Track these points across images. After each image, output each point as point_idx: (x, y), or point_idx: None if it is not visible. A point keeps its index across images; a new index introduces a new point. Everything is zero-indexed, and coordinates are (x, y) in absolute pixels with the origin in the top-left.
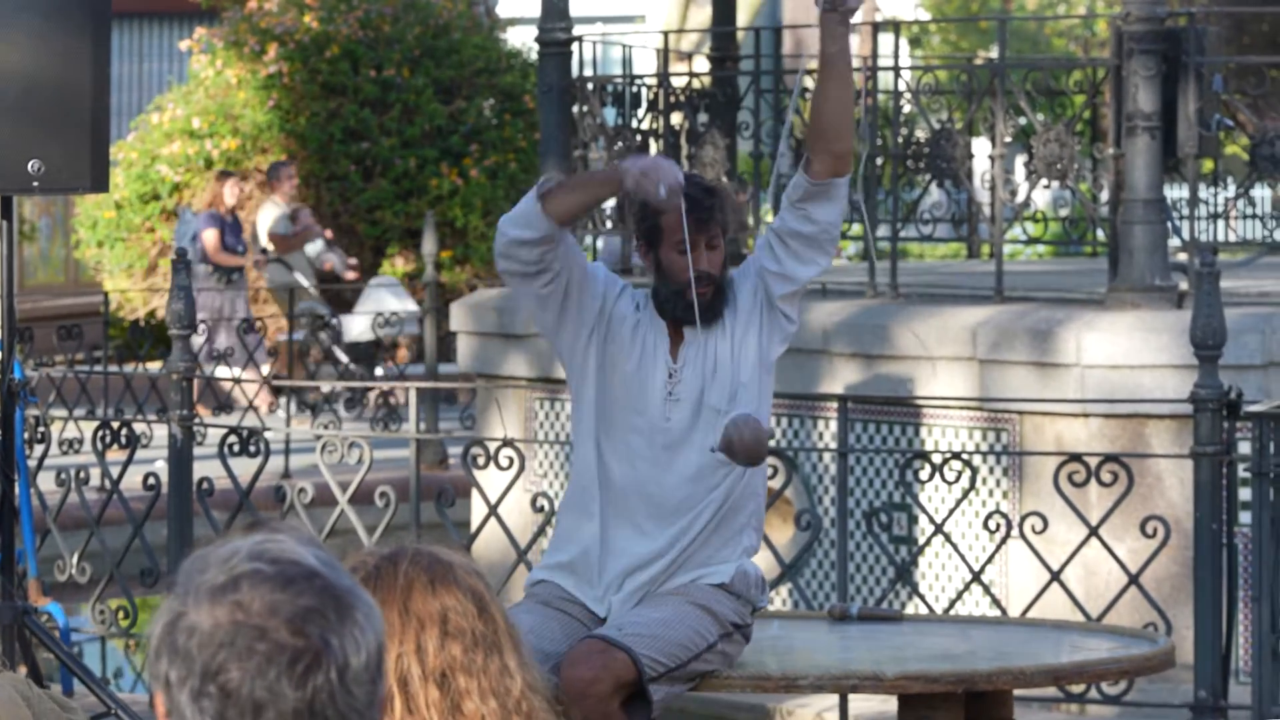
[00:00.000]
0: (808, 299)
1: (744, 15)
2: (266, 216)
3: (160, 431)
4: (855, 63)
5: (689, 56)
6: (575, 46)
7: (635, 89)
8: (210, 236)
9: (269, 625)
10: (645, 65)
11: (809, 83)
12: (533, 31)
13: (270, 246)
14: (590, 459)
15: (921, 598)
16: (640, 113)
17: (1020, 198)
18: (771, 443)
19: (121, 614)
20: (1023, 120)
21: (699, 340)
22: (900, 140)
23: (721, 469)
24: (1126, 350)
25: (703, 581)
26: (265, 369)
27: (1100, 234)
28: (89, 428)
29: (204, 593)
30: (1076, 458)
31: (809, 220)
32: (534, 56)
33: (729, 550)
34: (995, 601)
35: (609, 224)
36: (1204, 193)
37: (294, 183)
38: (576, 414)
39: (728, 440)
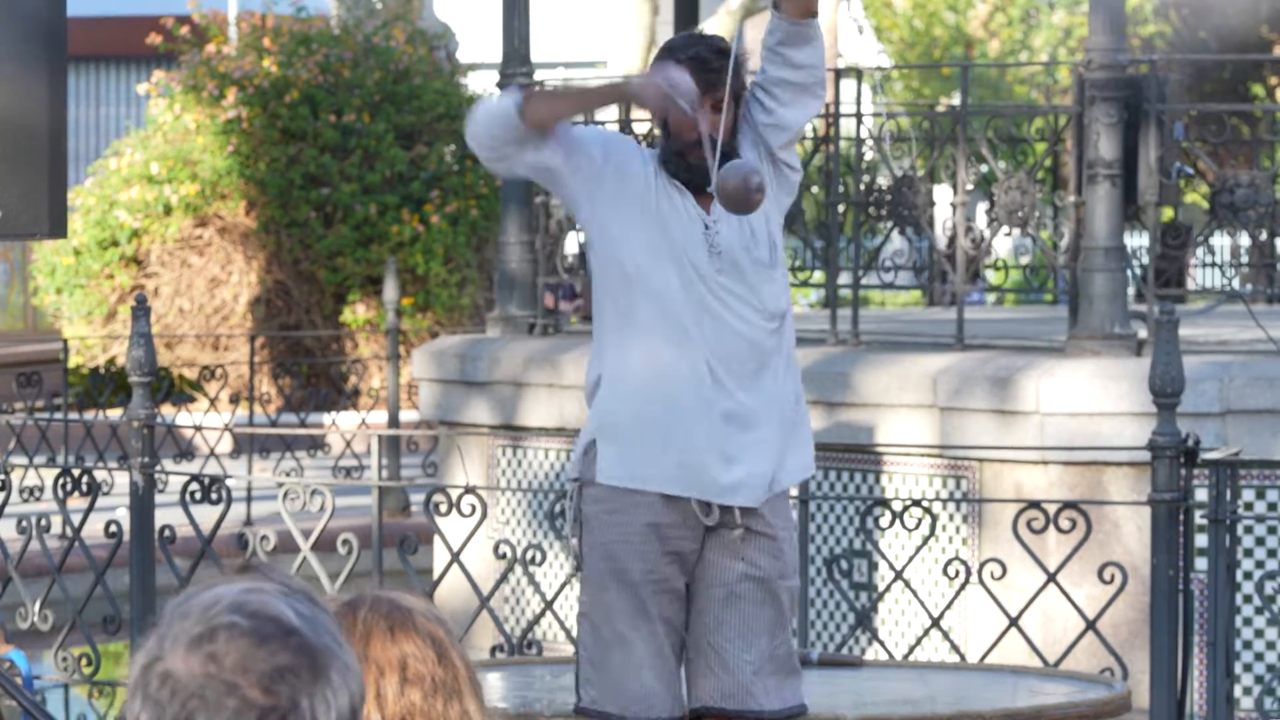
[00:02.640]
0: None
1: None
2: None
3: (121, 479)
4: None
5: None
6: None
7: None
8: None
9: (240, 681)
10: (607, 111)
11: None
12: (494, 76)
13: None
14: (654, 310)
15: (881, 644)
16: None
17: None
18: None
19: (84, 661)
20: (984, 168)
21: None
22: (862, 187)
23: (772, 321)
24: (1086, 398)
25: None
26: None
27: (1060, 281)
28: (50, 475)
29: (181, 641)
30: (1035, 505)
31: (791, 65)
32: None
33: (800, 435)
34: (954, 647)
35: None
36: None
37: None
38: (617, 276)
39: (726, 191)
